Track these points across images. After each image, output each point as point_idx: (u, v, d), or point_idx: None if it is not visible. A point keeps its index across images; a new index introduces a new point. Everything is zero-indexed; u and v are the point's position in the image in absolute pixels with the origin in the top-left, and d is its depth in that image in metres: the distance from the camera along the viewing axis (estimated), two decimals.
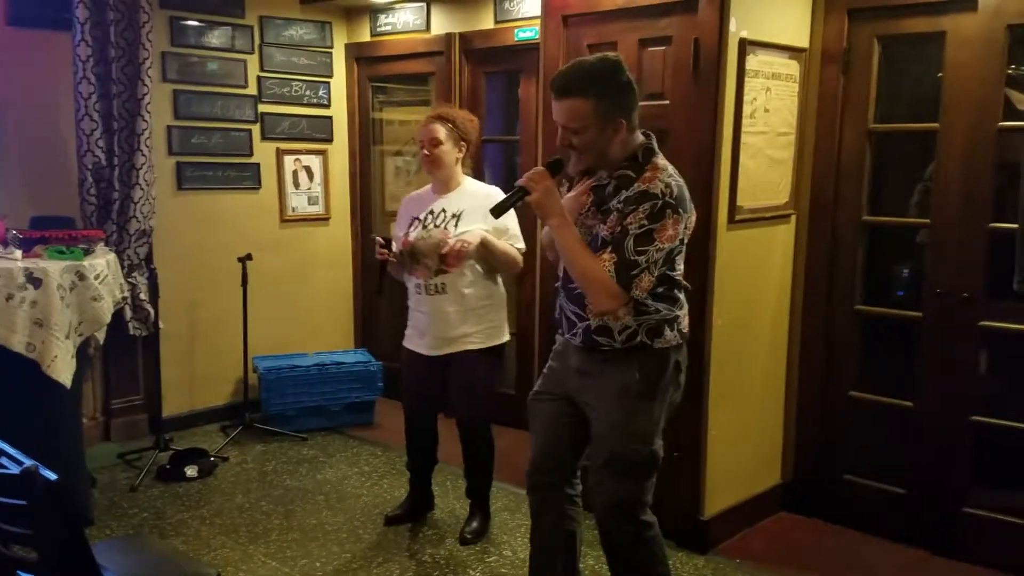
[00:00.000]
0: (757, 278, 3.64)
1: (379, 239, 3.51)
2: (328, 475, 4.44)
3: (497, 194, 3.54)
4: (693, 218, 2.54)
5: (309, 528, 3.81)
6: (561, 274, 2.68)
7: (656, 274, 2.43)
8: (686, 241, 2.53)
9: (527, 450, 4.13)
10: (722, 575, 3.40)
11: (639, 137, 2.52)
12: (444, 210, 3.53)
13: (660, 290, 2.50)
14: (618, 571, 2.73)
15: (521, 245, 3.56)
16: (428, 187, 3.67)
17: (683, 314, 2.61)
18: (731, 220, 3.41)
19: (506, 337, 3.63)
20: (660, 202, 2.39)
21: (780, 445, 3.95)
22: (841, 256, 3.74)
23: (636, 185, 2.44)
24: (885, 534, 3.67)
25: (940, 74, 3.43)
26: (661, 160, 2.51)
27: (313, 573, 3.41)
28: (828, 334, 3.79)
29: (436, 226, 3.49)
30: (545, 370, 2.81)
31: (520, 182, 2.50)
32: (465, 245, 3.38)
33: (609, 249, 2.41)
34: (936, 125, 3.46)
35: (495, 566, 3.48)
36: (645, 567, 2.67)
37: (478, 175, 5.07)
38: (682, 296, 2.61)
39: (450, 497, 3.91)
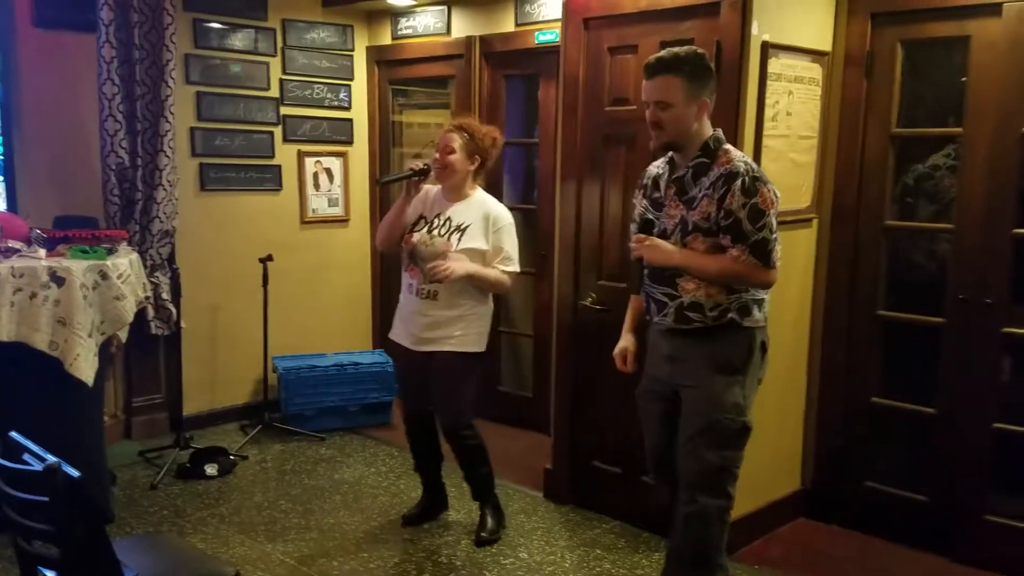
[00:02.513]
0: (778, 282, 3.60)
1: (421, 164, 3.56)
2: (346, 475, 4.45)
3: (503, 211, 3.61)
4: (778, 201, 2.68)
5: (327, 527, 3.83)
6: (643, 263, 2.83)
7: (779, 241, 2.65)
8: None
9: (543, 454, 4.16)
10: None
11: (710, 128, 2.72)
12: (450, 219, 3.57)
13: None
14: (686, 546, 2.80)
15: (513, 268, 3.58)
16: (440, 188, 3.68)
17: (767, 298, 2.78)
18: None
19: (483, 348, 3.64)
20: (747, 177, 2.60)
21: (800, 451, 3.92)
22: (863, 260, 3.72)
23: (714, 169, 2.66)
24: (906, 541, 3.64)
25: (964, 79, 3.40)
26: (730, 147, 2.74)
27: (330, 572, 3.43)
28: (850, 339, 3.77)
29: (440, 235, 3.54)
30: (645, 367, 2.96)
31: (633, 255, 2.77)
32: (449, 274, 3.42)
33: (729, 239, 2.61)
34: (960, 130, 3.43)
35: (511, 568, 3.48)
36: (716, 543, 2.76)
37: (498, 179, 5.09)
38: None
39: (466, 498, 3.91)
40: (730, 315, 2.67)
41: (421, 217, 3.64)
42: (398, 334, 3.72)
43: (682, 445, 2.76)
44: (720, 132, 2.74)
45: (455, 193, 3.61)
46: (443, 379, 3.58)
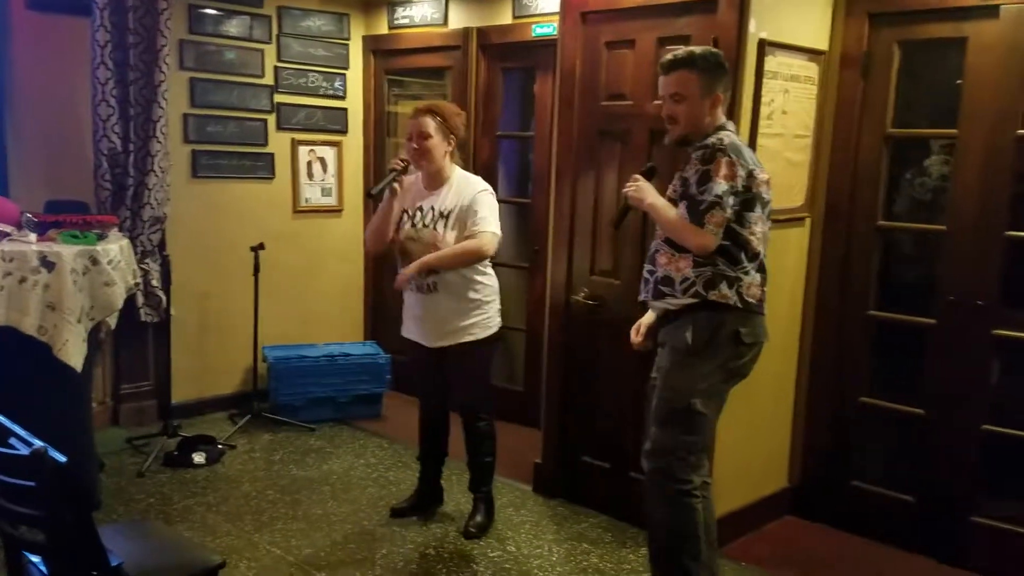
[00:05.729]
0: (770, 280, 3.61)
1: (400, 162, 3.51)
2: (335, 466, 4.44)
3: (479, 181, 3.56)
4: (763, 176, 2.73)
5: (314, 518, 3.82)
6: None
7: (728, 213, 2.66)
8: (763, 198, 2.76)
9: (533, 448, 4.16)
10: None
11: (722, 119, 2.83)
12: (433, 208, 3.54)
13: (725, 243, 2.70)
14: (652, 532, 2.89)
15: (487, 228, 3.43)
16: (418, 176, 3.62)
17: (748, 281, 2.76)
18: None
19: (497, 327, 3.65)
20: (711, 149, 2.68)
21: (788, 449, 3.93)
22: (855, 260, 3.72)
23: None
24: (892, 541, 3.65)
25: (959, 80, 3.41)
26: (727, 131, 2.79)
27: (317, 562, 3.42)
28: (840, 338, 3.77)
29: (425, 226, 3.52)
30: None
31: (623, 190, 2.93)
32: (403, 279, 3.49)
33: (684, 204, 2.73)
34: (955, 131, 3.43)
35: (499, 561, 3.48)
36: (678, 531, 2.77)
37: (493, 172, 5.08)
38: (747, 261, 2.74)
39: (455, 492, 3.91)
40: (695, 288, 2.72)
41: (403, 211, 3.60)
42: (411, 331, 3.70)
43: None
44: (725, 121, 2.82)
45: (435, 179, 3.56)
46: (462, 368, 3.61)
